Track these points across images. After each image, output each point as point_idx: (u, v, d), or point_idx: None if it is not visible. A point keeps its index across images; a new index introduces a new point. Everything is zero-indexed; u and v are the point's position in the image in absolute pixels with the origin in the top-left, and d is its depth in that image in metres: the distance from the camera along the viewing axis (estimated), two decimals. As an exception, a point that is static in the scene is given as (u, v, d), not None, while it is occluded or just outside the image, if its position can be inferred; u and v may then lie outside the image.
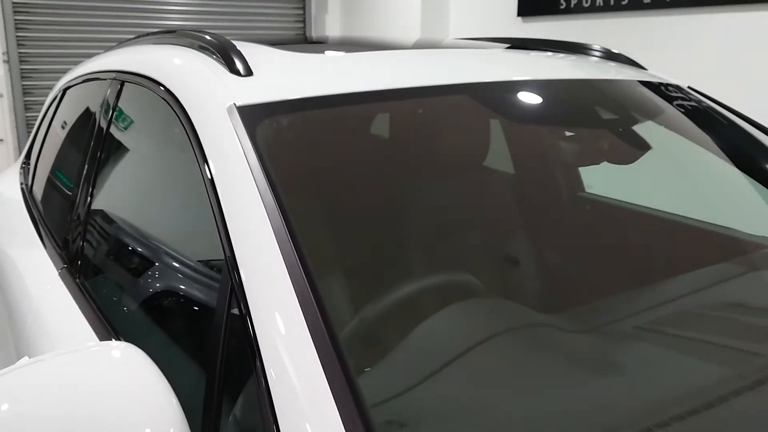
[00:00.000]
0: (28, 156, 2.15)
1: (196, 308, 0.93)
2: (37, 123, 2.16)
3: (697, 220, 1.32)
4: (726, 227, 1.29)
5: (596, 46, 1.75)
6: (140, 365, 0.68)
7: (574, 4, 4.60)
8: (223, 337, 0.78)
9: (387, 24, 5.76)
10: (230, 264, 0.78)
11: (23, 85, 5.35)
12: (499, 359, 0.79)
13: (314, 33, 6.52)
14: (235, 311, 0.76)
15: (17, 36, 5.25)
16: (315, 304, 0.71)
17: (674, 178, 1.41)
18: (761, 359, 0.86)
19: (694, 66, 3.97)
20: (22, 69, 5.32)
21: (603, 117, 1.31)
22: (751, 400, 0.75)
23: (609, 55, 1.70)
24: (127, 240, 1.19)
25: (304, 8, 6.46)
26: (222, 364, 0.78)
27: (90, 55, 5.09)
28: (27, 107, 5.41)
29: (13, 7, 5.20)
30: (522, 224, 1.08)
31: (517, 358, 0.80)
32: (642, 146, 1.25)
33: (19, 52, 5.28)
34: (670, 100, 1.49)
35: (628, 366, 0.83)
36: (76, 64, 5.26)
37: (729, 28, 3.84)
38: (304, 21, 6.49)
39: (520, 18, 5.03)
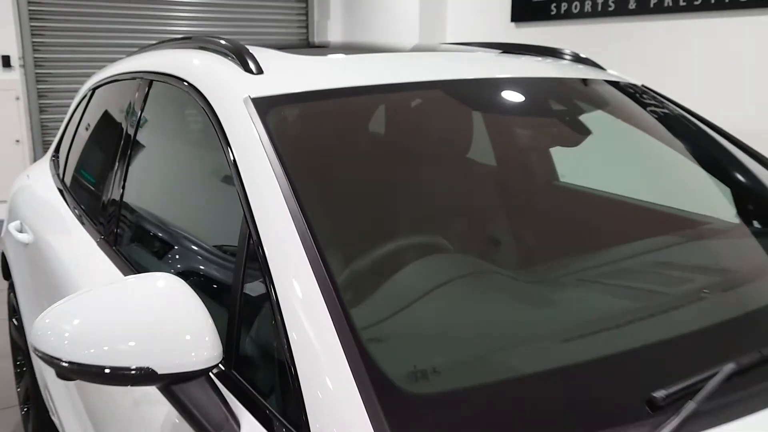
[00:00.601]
0: (56, 150, 2.38)
1: (216, 265, 1.14)
2: (65, 120, 2.38)
3: (638, 199, 1.54)
4: (667, 205, 1.50)
5: (567, 51, 1.97)
6: (180, 288, 0.88)
7: (564, 10, 4.82)
8: (241, 282, 0.99)
9: (386, 29, 5.98)
10: (249, 221, 0.99)
11: (38, 88, 5.57)
12: (462, 295, 1.01)
13: (317, 38, 6.75)
14: (251, 265, 0.97)
15: (33, 42, 5.48)
16: (320, 257, 0.91)
17: (627, 165, 1.62)
18: (667, 297, 1.08)
19: (675, 66, 4.18)
20: (37, 73, 5.54)
21: (562, 109, 1.53)
22: (649, 325, 0.97)
23: (576, 58, 1.92)
24: (157, 212, 1.40)
25: (307, 14, 6.69)
26: (241, 302, 0.99)
27: (102, 60, 5.33)
28: (42, 110, 5.63)
29: (29, 14, 5.43)
30: (488, 198, 1.30)
31: (475, 295, 1.02)
32: (586, 132, 1.47)
33: (35, 57, 5.51)
34: (628, 96, 1.70)
35: (563, 300, 1.05)
36: (89, 68, 5.47)
37: (710, 32, 4.05)
38: (307, 26, 6.73)
39: (513, 23, 5.24)
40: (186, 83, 1.36)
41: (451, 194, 1.26)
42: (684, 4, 4.09)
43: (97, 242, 1.51)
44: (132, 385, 0.85)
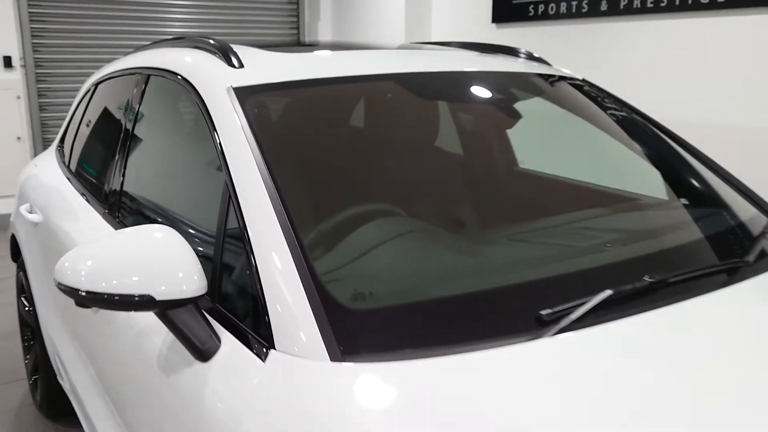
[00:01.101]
0: (61, 141, 2.60)
1: (201, 218, 1.37)
2: (69, 114, 2.60)
3: (575, 179, 1.78)
4: (600, 184, 1.74)
5: (522, 50, 2.20)
6: (174, 237, 1.11)
7: (541, 12, 5.06)
8: (223, 235, 1.22)
9: (374, 30, 6.21)
10: (230, 186, 1.21)
11: (38, 87, 5.78)
12: (400, 244, 1.24)
13: (307, 39, 6.98)
14: (231, 221, 1.20)
15: (33, 43, 5.69)
16: (285, 213, 1.14)
17: (567, 149, 1.86)
18: (574, 249, 1.32)
19: (640, 63, 4.43)
20: (37, 73, 5.75)
21: (509, 98, 1.77)
22: (552, 265, 1.21)
23: (529, 56, 2.15)
24: (155, 186, 1.63)
25: (298, 16, 6.93)
26: (222, 250, 1.22)
27: (99, 60, 5.54)
28: (41, 108, 5.84)
29: (30, 16, 5.64)
30: (436, 172, 1.53)
31: (410, 244, 1.25)
32: (528, 118, 1.71)
33: (35, 58, 5.72)
34: (575, 89, 1.94)
35: (484, 250, 1.29)
36: (87, 68, 5.66)
37: (677, 32, 4.30)
38: (297, 28, 6.96)
39: (494, 24, 5.48)
40: (179, 76, 1.59)
41: (403, 167, 1.50)
42: (651, 5, 4.33)
43: (101, 215, 1.74)
44: (135, 310, 1.07)
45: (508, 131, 1.80)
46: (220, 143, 1.31)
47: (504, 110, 1.75)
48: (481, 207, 1.48)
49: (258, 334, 1.05)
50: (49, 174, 2.39)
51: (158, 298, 1.05)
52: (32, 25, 5.68)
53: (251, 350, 1.03)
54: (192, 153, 1.56)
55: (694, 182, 1.77)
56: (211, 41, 1.65)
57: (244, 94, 1.38)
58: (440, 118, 1.72)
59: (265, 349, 1.00)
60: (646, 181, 1.85)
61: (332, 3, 6.79)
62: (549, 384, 0.91)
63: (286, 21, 6.92)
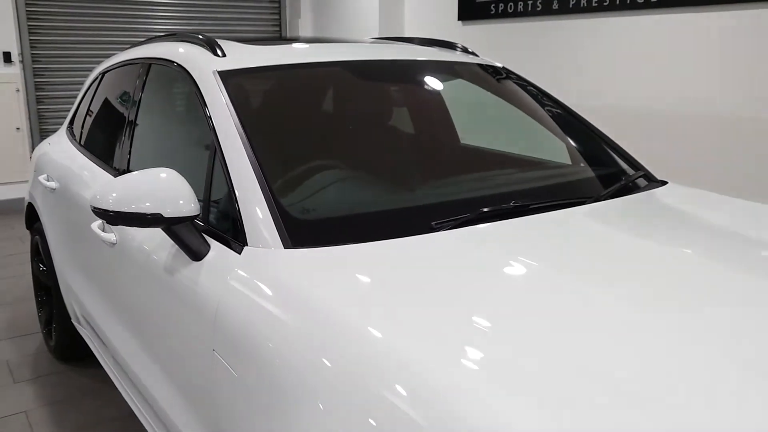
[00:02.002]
0: (71, 123, 3.03)
1: (194, 165, 1.81)
2: (78, 100, 3.03)
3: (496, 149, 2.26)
4: (514, 152, 2.22)
5: (459, 44, 2.66)
6: (176, 175, 1.55)
7: (501, 11, 5.52)
8: (211, 172, 1.67)
9: (351, 26, 6.66)
10: (215, 141, 1.66)
11: (35, 81, 6.17)
12: (341, 182, 1.71)
13: (289, 34, 7.41)
14: (216, 163, 1.65)
15: (30, 39, 6.07)
16: (264, 175, 1.59)
17: (491, 123, 2.34)
18: (480, 188, 1.80)
19: (587, 56, 4.94)
20: (34, 68, 6.14)
21: (439, 79, 2.25)
22: (456, 194, 1.69)
23: (463, 49, 2.61)
24: (158, 146, 2.08)
25: (279, 13, 7.37)
26: (211, 184, 1.66)
27: (93, 56, 5.93)
28: (38, 101, 6.23)
29: (27, 14, 6.02)
30: (371, 134, 2.01)
31: (349, 181, 1.73)
32: (465, 107, 2.20)
33: (32, 54, 6.11)
34: (493, 74, 2.41)
35: (409, 183, 1.77)
36: (81, 62, 6.01)
37: (617, 27, 4.80)
38: (279, 24, 7.40)
39: (460, 22, 5.94)
40: (176, 64, 2.03)
41: (346, 129, 1.97)
42: (596, 5, 4.81)
43: (112, 176, 2.18)
44: (148, 226, 1.51)
45: (431, 103, 2.28)
46: (208, 113, 1.76)
47: (432, 89, 2.24)
48: (402, 159, 1.96)
49: (236, 238, 1.50)
50: (62, 149, 2.83)
51: (165, 215, 1.50)
52: (29, 23, 6.06)
53: (231, 249, 1.48)
54: (187, 121, 2.01)
55: (583, 144, 2.25)
56: (200, 36, 2.09)
57: (226, 76, 1.83)
58: (380, 94, 2.19)
59: (240, 246, 1.46)
60: (548, 146, 2.32)
61: (311, 1, 7.22)
62: (430, 254, 1.39)
63: (268, 18, 7.35)
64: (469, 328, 1.09)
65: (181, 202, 1.52)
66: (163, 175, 1.57)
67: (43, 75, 6.22)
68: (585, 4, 4.86)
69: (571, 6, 4.96)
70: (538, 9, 5.22)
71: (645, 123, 4.69)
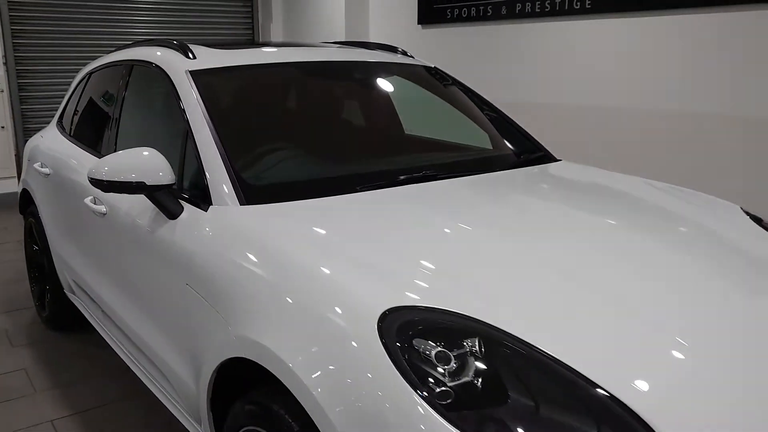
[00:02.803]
0: (60, 118, 3.41)
1: (171, 146, 2.21)
2: (66, 97, 3.41)
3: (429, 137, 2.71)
4: (443, 139, 2.68)
5: (399, 48, 3.11)
6: (155, 153, 1.95)
7: (456, 15, 5.98)
8: (184, 150, 2.09)
9: (318, 30, 7.07)
10: (188, 127, 2.08)
11: (19, 83, 6.48)
12: (293, 157, 2.15)
13: (261, 38, 7.81)
14: (189, 143, 2.06)
15: (13, 43, 6.39)
16: (226, 152, 2.01)
17: (426, 115, 2.79)
18: (412, 163, 2.25)
19: (531, 56, 5.43)
20: (17, 70, 6.45)
21: (379, 76, 2.70)
22: (383, 165, 2.14)
23: (401, 50, 3.05)
24: (139, 135, 2.48)
25: (252, 18, 7.76)
26: (183, 162, 2.08)
27: (73, 58, 6.26)
28: (22, 101, 6.54)
29: (10, 20, 6.35)
30: (323, 118, 2.47)
31: (300, 157, 2.17)
32: (399, 100, 2.67)
33: (15, 56, 6.42)
34: (427, 73, 2.85)
35: (351, 159, 2.22)
36: (62, 65, 6.31)
37: (558, 31, 5.30)
38: (252, 28, 7.79)
39: (420, 26, 6.39)
40: (154, 65, 2.44)
41: (295, 114, 2.42)
42: (538, 11, 5.30)
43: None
44: (134, 192, 1.92)
45: (369, 96, 2.75)
46: (182, 105, 2.17)
47: (374, 84, 2.71)
48: (337, 139, 2.42)
49: (203, 201, 1.91)
50: (53, 140, 3.22)
51: (148, 183, 1.91)
52: (12, 27, 6.37)
53: (199, 208, 1.90)
54: (164, 111, 2.42)
55: (497, 130, 2.71)
56: (175, 42, 2.51)
57: (196, 74, 2.25)
58: (325, 89, 2.63)
59: (206, 206, 1.88)
60: (470, 133, 2.77)
61: (282, 6, 7.63)
62: (352, 206, 1.84)
63: (241, 22, 7.74)
64: (386, 256, 1.53)
65: (161, 173, 1.93)
66: (146, 153, 1.98)
67: (26, 77, 6.55)
68: (529, 10, 5.34)
69: (517, 12, 5.44)
70: (489, 14, 5.69)
71: (580, 114, 5.19)
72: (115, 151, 2.56)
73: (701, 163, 4.48)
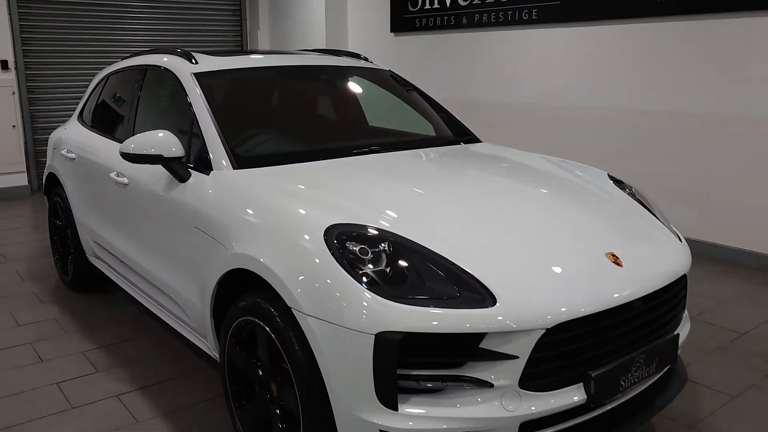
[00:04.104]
0: (80, 114, 4.07)
1: (180, 130, 2.87)
2: (85, 97, 4.06)
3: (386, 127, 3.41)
4: (393, 128, 3.37)
5: (362, 55, 3.80)
6: (169, 134, 2.60)
7: (423, 24, 6.68)
8: (191, 133, 2.76)
9: (301, 37, 7.75)
10: (194, 116, 2.75)
11: (28, 85, 7.11)
12: (277, 140, 2.83)
13: (249, 45, 8.49)
14: (195, 132, 2.74)
15: (23, 49, 7.02)
16: (223, 133, 2.68)
17: (382, 109, 3.48)
18: (363, 143, 2.94)
19: (489, 60, 6.16)
20: (27, 74, 7.08)
21: (343, 78, 3.40)
22: (345, 144, 2.83)
23: (363, 57, 3.75)
24: (153, 124, 3.16)
25: (241, 26, 8.44)
26: (191, 140, 2.75)
27: (79, 63, 6.92)
28: (31, 102, 7.17)
29: (21, 28, 6.97)
30: (307, 110, 3.16)
31: (285, 140, 2.85)
32: (364, 98, 3.36)
33: (25, 61, 7.05)
34: (384, 75, 3.55)
35: (324, 140, 2.91)
36: (68, 69, 6.94)
37: (513, 39, 6.03)
38: (241, 35, 8.47)
39: (393, 33, 7.08)
40: (164, 69, 3.12)
41: (280, 108, 3.11)
42: (494, 20, 6.00)
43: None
44: (153, 163, 2.59)
45: (333, 92, 3.46)
46: (188, 98, 2.85)
47: (339, 83, 3.43)
48: (310, 125, 3.10)
49: (206, 168, 2.59)
50: (76, 131, 3.88)
51: (165, 156, 2.58)
52: (23, 35, 7.00)
53: (203, 173, 2.57)
54: (173, 104, 3.09)
55: (437, 120, 3.40)
56: (179, 50, 3.18)
57: (199, 76, 2.93)
58: (301, 87, 3.33)
59: (208, 172, 2.55)
60: (417, 122, 3.46)
61: (269, 15, 8.31)
62: (336, 169, 2.52)
63: (231, 29, 8.41)
64: (336, 197, 2.20)
65: (174, 149, 2.61)
66: (161, 134, 2.65)
67: (34, 80, 7.18)
68: (486, 20, 6.05)
69: (475, 21, 6.15)
70: (452, 24, 6.39)
71: (528, 109, 5.93)
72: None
73: (624, 145, 5.23)
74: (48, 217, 4.34)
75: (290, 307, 1.95)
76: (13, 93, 6.93)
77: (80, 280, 4.01)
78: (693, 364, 3.08)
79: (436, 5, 6.48)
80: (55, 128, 4.39)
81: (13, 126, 6.98)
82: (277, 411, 2.13)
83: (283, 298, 1.98)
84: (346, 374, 1.82)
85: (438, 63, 6.60)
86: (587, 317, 1.86)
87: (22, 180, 7.10)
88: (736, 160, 4.52)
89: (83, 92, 7.28)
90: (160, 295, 2.92)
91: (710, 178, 4.68)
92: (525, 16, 5.69)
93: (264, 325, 2.08)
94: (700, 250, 4.78)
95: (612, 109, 5.22)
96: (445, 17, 6.43)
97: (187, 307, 2.65)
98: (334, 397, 1.87)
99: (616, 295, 1.92)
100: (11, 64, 6.87)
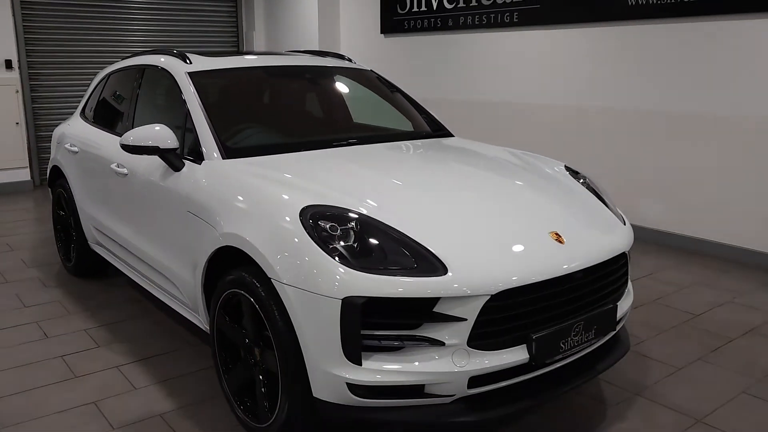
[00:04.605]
0: (83, 110, 4.33)
1: (175, 124, 3.14)
2: (87, 94, 4.33)
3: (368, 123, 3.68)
4: (376, 125, 3.65)
5: (346, 56, 4.07)
6: (165, 127, 2.86)
7: (411, 26, 6.96)
8: (184, 127, 3.02)
9: (296, 40, 8.01)
10: (188, 112, 3.01)
11: (30, 84, 7.37)
12: (266, 133, 3.11)
13: (245, 45, 8.76)
14: (189, 126, 3.01)
15: (26, 49, 7.28)
16: (213, 127, 2.95)
17: (364, 106, 3.75)
18: (346, 138, 3.22)
19: (470, 60, 6.44)
20: (29, 73, 7.34)
21: (328, 76, 3.68)
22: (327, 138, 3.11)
23: (347, 58, 4.02)
24: (150, 119, 3.42)
25: (237, 27, 8.71)
26: (185, 133, 3.02)
27: (79, 63, 7.19)
28: (33, 100, 7.43)
29: (24, 29, 7.24)
30: (293, 106, 3.43)
31: (273, 133, 3.13)
32: (350, 98, 3.63)
33: (28, 61, 7.31)
34: (367, 74, 3.82)
35: (309, 133, 3.18)
36: (69, 69, 7.22)
37: (492, 40, 6.30)
38: (237, 36, 8.74)
39: (382, 35, 7.35)
40: (161, 68, 3.39)
41: (269, 104, 3.37)
42: (477, 23, 6.27)
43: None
44: (150, 154, 2.86)
45: (319, 89, 3.73)
46: (182, 95, 3.11)
47: (322, 82, 3.71)
48: (295, 119, 3.38)
49: (198, 158, 2.85)
50: (79, 127, 4.15)
51: (161, 147, 2.85)
52: (26, 36, 7.26)
53: (195, 163, 2.84)
54: (169, 102, 3.36)
55: (414, 116, 3.67)
56: (175, 51, 3.45)
57: (192, 75, 3.19)
58: (288, 86, 3.60)
59: (200, 161, 2.82)
60: (396, 119, 3.73)
61: (264, 17, 8.57)
62: (316, 159, 2.79)
63: (227, 30, 8.68)
64: (313, 182, 2.47)
65: (169, 141, 2.87)
66: (157, 128, 2.91)
67: (37, 79, 7.44)
68: (470, 23, 6.32)
69: (460, 24, 6.42)
70: (438, 26, 6.66)
71: (518, 108, 6.21)
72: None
73: (596, 141, 5.51)
74: (51, 207, 4.60)
75: (270, 278, 2.22)
76: (17, 91, 7.19)
77: (82, 266, 4.27)
78: (647, 341, 3.36)
79: (423, 8, 6.75)
80: (56, 125, 4.66)
81: (17, 123, 7.23)
82: (260, 373, 2.40)
83: (265, 270, 2.24)
84: (318, 335, 2.09)
85: (425, 63, 6.87)
86: (528, 286, 2.12)
87: (24, 175, 7.36)
88: (700, 156, 4.80)
89: (83, 90, 7.56)
90: (156, 275, 3.18)
91: (676, 173, 4.95)
92: (506, 19, 5.96)
93: (248, 296, 2.34)
94: (666, 241, 5.06)
95: (586, 107, 5.50)
96: (432, 19, 6.71)
97: (181, 284, 2.91)
98: (307, 355, 2.13)
99: (554, 268, 2.19)
100: (15, 64, 7.13)
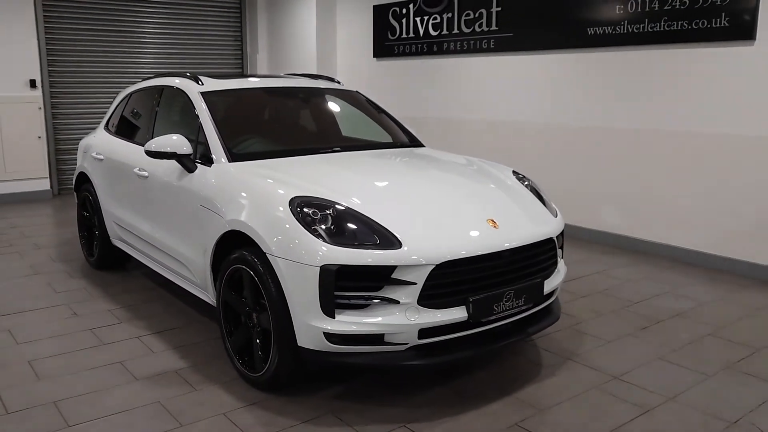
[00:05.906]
0: (107, 124, 4.97)
1: (190, 135, 3.76)
2: (111, 111, 4.97)
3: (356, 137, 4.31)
4: (364, 138, 4.27)
5: (335, 78, 4.72)
6: (180, 137, 3.47)
7: (401, 51, 7.62)
8: (197, 137, 3.65)
9: (295, 61, 8.69)
10: (200, 124, 3.64)
11: (52, 102, 8.04)
12: (267, 140, 3.73)
13: (249, 67, 9.45)
14: (201, 138, 3.63)
15: (49, 70, 7.97)
16: (221, 136, 3.57)
17: (352, 123, 4.38)
18: (332, 146, 3.85)
19: (455, 83, 7.09)
20: (51, 91, 8.02)
21: (319, 96, 4.32)
22: (317, 144, 3.73)
23: (337, 80, 4.67)
24: (170, 132, 4.05)
25: (242, 51, 9.41)
26: (198, 142, 3.64)
27: (96, 83, 7.90)
28: (54, 116, 8.09)
29: (47, 51, 7.93)
30: (293, 121, 4.06)
31: (272, 140, 3.76)
32: (338, 114, 4.28)
33: (50, 80, 8.00)
34: (354, 95, 4.46)
35: (303, 140, 3.80)
36: (87, 88, 7.92)
37: (474, 64, 6.96)
38: (242, 58, 9.43)
39: (375, 58, 8.02)
40: (177, 88, 4.03)
41: (270, 119, 4.01)
42: (460, 49, 6.93)
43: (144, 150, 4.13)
44: (169, 159, 3.48)
45: (314, 107, 4.37)
46: (195, 111, 3.74)
47: (314, 100, 4.35)
48: (292, 132, 4.00)
49: (209, 162, 3.47)
50: (103, 138, 4.79)
51: (178, 153, 3.47)
52: (48, 58, 7.95)
53: (206, 166, 3.45)
54: (184, 116, 3.99)
55: (392, 129, 4.30)
56: (188, 74, 4.09)
57: (204, 94, 3.83)
58: (287, 104, 4.24)
59: (210, 164, 3.44)
60: (379, 133, 4.35)
61: (267, 42, 9.27)
62: (306, 162, 3.40)
63: (233, 54, 9.38)
64: (303, 180, 3.07)
65: (184, 148, 3.50)
66: (174, 137, 3.54)
67: (58, 97, 8.12)
68: (453, 48, 6.98)
69: (444, 49, 7.08)
70: (425, 51, 7.32)
71: (488, 125, 6.85)
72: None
73: (555, 154, 6.13)
74: (77, 209, 5.22)
75: (266, 253, 2.82)
76: (39, 108, 7.86)
77: (103, 260, 4.88)
78: (587, 321, 3.94)
79: (411, 34, 7.42)
80: (73, 139, 5.31)
81: (39, 137, 7.88)
82: (257, 334, 2.99)
83: (262, 248, 2.85)
84: (302, 295, 2.69)
85: (413, 84, 7.53)
86: (465, 259, 2.73)
87: (45, 185, 8.00)
88: (652, 168, 5.41)
89: (99, 108, 8.26)
90: (171, 260, 3.79)
91: (630, 183, 5.56)
92: (484, 45, 6.62)
93: (249, 270, 2.94)
94: (621, 244, 5.65)
95: (553, 124, 6.13)
96: (419, 45, 7.37)
97: (192, 266, 3.52)
98: (293, 312, 2.73)
99: (486, 246, 2.80)
100: (38, 83, 7.81)
